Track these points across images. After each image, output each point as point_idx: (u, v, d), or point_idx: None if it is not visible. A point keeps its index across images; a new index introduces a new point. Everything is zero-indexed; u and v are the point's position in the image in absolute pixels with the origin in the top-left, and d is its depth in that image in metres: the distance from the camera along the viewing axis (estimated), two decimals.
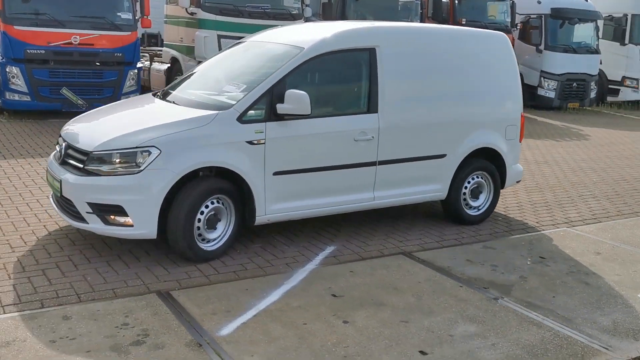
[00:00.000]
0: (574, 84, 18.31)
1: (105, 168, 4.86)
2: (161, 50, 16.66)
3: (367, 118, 5.65)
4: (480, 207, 6.55)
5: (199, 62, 13.43)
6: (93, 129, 5.33)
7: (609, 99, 20.03)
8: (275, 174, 5.24)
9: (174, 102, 5.62)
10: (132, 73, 12.77)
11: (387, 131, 5.72)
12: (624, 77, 19.84)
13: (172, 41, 14.76)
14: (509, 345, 3.99)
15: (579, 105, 18.63)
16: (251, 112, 5.14)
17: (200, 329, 4.02)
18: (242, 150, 5.08)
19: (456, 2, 16.83)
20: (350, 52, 5.68)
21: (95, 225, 4.92)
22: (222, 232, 5.19)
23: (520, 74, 16.51)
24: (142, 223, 4.82)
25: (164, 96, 5.96)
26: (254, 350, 3.78)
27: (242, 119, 5.10)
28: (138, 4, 12.89)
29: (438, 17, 16.83)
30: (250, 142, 5.10)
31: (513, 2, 17.51)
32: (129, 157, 4.82)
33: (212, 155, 4.98)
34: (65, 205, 5.10)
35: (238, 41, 6.60)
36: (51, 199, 5.59)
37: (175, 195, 4.87)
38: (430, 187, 6.15)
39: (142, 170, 4.78)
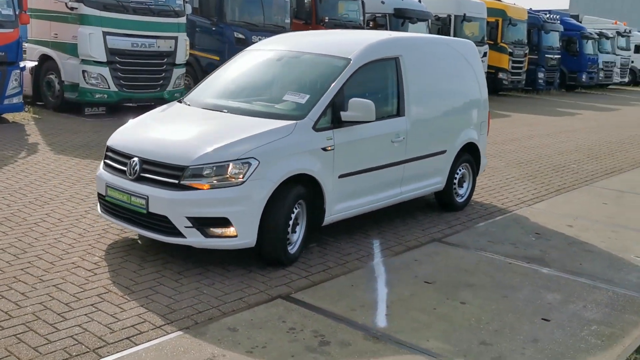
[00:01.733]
0: None
1: (204, 181, 4.91)
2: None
3: (398, 121, 6.26)
4: (463, 195, 7.50)
5: (83, 60, 12.82)
6: (169, 142, 5.26)
7: None
8: (340, 176, 5.65)
9: (225, 112, 5.72)
10: (15, 74, 11.80)
11: (412, 132, 6.38)
12: None
13: (41, 37, 13.73)
14: (595, 306, 4.94)
15: None
16: (321, 120, 5.48)
17: (357, 324, 4.39)
18: (317, 156, 5.41)
19: (318, 1, 17.70)
20: (383, 61, 6.23)
21: (194, 239, 4.95)
22: (298, 235, 5.47)
23: None
24: (245, 233, 4.97)
25: (194, 104, 6.03)
26: (423, 335, 4.28)
27: (315, 127, 5.43)
28: None
29: (302, 15, 17.64)
30: (324, 149, 5.46)
31: (362, 1, 18.90)
32: (230, 169, 4.93)
33: (300, 163, 5.26)
34: (151, 221, 5.02)
35: (252, 49, 6.74)
36: (104, 213, 5.42)
37: (271, 203, 5.06)
38: (434, 180, 6.94)
39: (244, 182, 4.92)
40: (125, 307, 4.41)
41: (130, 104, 13.97)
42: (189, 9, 14.43)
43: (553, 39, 27.15)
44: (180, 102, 6.30)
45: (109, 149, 5.53)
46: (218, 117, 5.66)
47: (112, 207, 5.33)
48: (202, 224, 4.92)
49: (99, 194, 5.49)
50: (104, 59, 12.94)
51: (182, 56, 14.31)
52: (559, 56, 27.53)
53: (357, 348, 4.05)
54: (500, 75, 24.28)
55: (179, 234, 4.95)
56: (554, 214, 7.61)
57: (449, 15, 22.11)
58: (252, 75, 6.41)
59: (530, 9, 26.79)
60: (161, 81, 14.05)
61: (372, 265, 5.55)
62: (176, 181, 4.94)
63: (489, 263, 5.76)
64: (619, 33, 32.82)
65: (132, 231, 5.79)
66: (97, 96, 13.18)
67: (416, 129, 6.43)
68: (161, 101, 14.25)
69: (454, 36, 22.14)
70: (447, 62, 7.11)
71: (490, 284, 5.27)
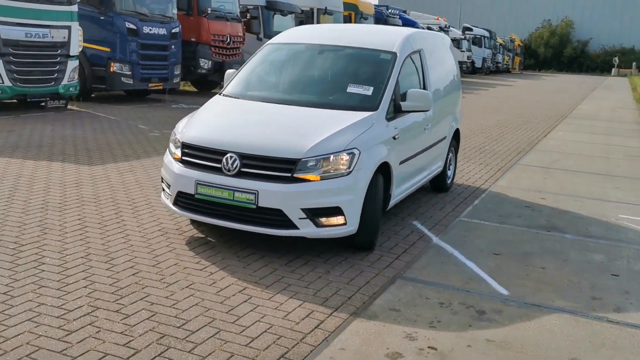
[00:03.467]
0: None
1: (316, 173, 5.02)
2: None
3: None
4: (450, 177, 8.21)
5: None
6: (268, 136, 5.23)
7: None
8: (400, 163, 6.02)
9: (295, 105, 5.80)
10: None
11: (433, 121, 6.92)
12: None
13: None
14: (635, 260, 5.88)
15: None
16: (389, 110, 5.82)
17: (486, 293, 4.87)
18: (389, 144, 5.74)
19: None
20: (414, 54, 6.66)
21: (307, 229, 5.05)
22: None
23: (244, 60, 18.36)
24: (352, 220, 5.17)
25: (248, 98, 6.05)
26: (545, 297, 4.86)
27: (386, 117, 5.75)
28: None
29: (183, 6, 17.29)
30: (394, 138, 5.80)
31: None
32: (338, 160, 5.09)
33: (382, 152, 5.55)
34: (260, 216, 5.02)
35: (278, 42, 6.77)
36: (187, 212, 5.29)
37: (368, 191, 5.30)
38: (438, 164, 7.57)
39: (351, 171, 5.13)
40: (279, 300, 4.45)
41: (9, 101, 12.84)
42: None
43: None
44: (222, 96, 6.22)
45: (187, 145, 5.35)
46: (296, 110, 5.72)
47: (203, 205, 5.20)
48: (315, 214, 5.03)
49: (181, 193, 5.29)
50: None
51: (75, 47, 13.47)
52: None
53: (511, 313, 4.53)
54: None
55: (293, 226, 5.02)
56: (518, 189, 8.61)
57: (312, 9, 22.84)
58: (298, 68, 6.49)
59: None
60: (56, 74, 13.14)
61: (437, 244, 6.01)
62: (288, 174, 4.99)
63: (522, 234, 6.51)
64: (441, 28, 36.02)
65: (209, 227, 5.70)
66: None
67: (434, 118, 6.98)
68: (56, 96, 13.31)
69: None
70: (442, 55, 7.74)
71: (543, 251, 6.00)
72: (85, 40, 14.33)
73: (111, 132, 11.10)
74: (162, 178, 5.67)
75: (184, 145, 5.37)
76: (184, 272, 4.84)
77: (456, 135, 8.18)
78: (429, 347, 3.94)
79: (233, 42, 18.68)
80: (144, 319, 4.01)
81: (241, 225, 5.12)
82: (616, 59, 61.81)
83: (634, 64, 61.16)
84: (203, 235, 5.71)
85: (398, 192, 6.18)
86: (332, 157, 5.09)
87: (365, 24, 6.55)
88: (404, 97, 6.01)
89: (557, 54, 67.58)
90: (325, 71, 6.41)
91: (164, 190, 5.67)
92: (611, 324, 4.46)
